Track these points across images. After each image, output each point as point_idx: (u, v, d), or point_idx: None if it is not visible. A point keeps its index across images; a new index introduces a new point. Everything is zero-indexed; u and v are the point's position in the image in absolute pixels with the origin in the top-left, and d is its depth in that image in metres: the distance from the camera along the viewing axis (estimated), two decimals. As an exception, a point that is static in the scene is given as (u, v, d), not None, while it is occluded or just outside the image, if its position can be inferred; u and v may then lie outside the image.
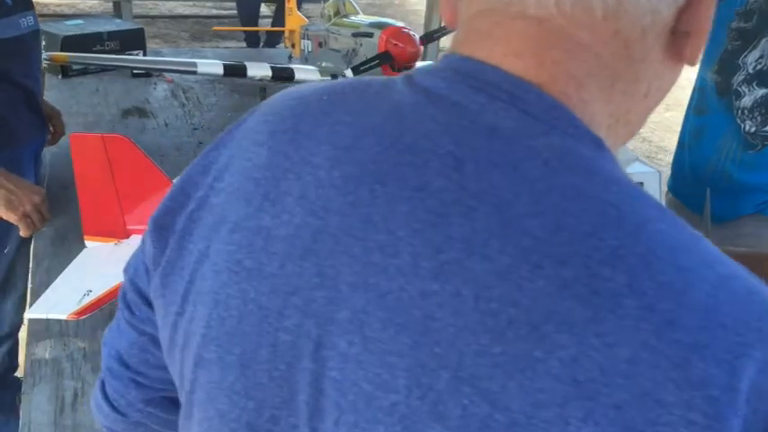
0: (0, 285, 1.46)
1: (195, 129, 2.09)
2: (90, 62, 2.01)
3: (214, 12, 7.11)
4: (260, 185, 0.46)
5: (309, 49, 2.26)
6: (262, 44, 4.44)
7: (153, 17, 6.69)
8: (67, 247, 1.43)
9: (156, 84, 2.42)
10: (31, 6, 1.40)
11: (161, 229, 0.53)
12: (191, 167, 0.54)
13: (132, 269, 0.62)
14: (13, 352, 1.63)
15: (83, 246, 1.38)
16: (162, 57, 2.46)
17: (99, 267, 1.20)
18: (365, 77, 0.52)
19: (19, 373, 1.74)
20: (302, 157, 0.45)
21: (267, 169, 0.46)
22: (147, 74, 2.45)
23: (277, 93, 0.54)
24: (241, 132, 0.51)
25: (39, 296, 1.29)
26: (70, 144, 1.24)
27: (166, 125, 2.11)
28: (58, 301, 1.11)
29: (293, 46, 2.55)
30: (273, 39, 4.35)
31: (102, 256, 1.23)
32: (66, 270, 1.21)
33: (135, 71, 2.41)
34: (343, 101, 0.47)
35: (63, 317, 1.09)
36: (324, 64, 2.08)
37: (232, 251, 0.46)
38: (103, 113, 2.14)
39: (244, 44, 4.87)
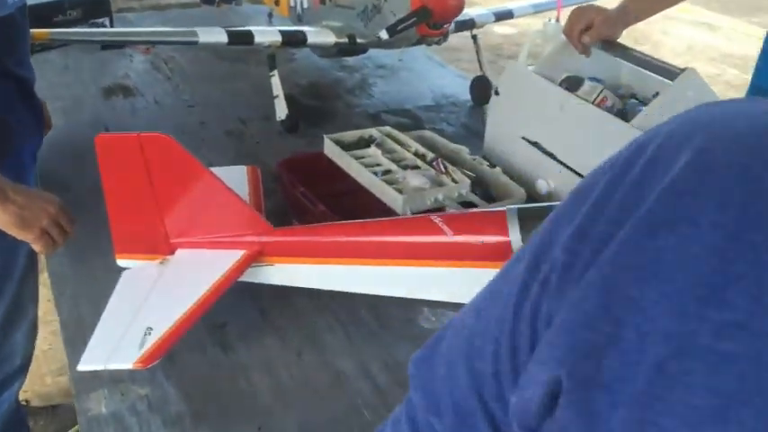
0: (9, 313, 1.23)
1: (191, 106, 1.85)
2: (77, 39, 1.73)
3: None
4: None
5: (305, 6, 2.02)
6: (217, 2, 4.11)
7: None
8: (89, 267, 1.21)
9: (131, 56, 2.15)
10: (16, -23, 1.14)
11: (582, 385, 0.33)
12: (612, 272, 0.33)
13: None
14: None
15: (107, 264, 1.17)
16: (143, 27, 2.19)
17: (151, 296, 0.99)
18: None
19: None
20: None
21: None
22: (119, 45, 2.18)
23: (696, 113, 0.34)
24: (704, 210, 0.31)
25: (71, 329, 1.08)
26: (96, 147, 1.02)
27: (157, 103, 1.86)
28: (115, 345, 0.91)
29: (276, 2, 2.30)
30: (228, -7, 4.02)
31: (150, 280, 1.02)
32: (111, 303, 1.00)
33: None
34: None
35: (128, 366, 0.88)
36: (327, 23, 1.84)
37: None
38: (82, 95, 1.88)
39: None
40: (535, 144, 1.43)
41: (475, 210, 1.05)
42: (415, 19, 1.48)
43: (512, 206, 1.00)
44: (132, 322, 0.94)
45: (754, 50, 5.58)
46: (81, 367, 0.90)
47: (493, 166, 1.37)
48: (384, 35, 1.50)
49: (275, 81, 1.70)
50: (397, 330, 1.10)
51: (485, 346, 0.42)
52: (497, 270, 0.99)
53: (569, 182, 1.35)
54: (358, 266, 1.02)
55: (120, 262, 1.10)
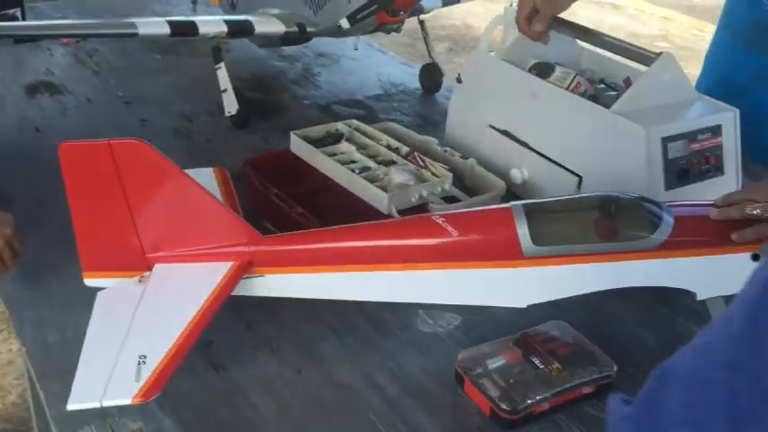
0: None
1: (128, 103, 1.72)
2: (8, 34, 1.57)
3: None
4: None
5: (239, -7, 1.91)
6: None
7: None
8: (47, 288, 1.10)
9: (50, 49, 1.99)
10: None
11: None
12: None
13: None
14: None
15: (67, 284, 1.08)
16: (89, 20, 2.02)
17: (137, 319, 0.90)
18: None
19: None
20: None
21: None
22: (33, 38, 2.01)
23: None
24: None
25: (40, 359, 0.98)
26: (60, 156, 0.91)
27: (89, 101, 1.73)
28: (108, 379, 0.81)
29: (203, -11, 2.19)
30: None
31: (131, 300, 0.93)
32: (91, 329, 0.90)
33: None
34: None
35: (126, 401, 0.79)
36: (268, 11, 1.74)
37: None
38: (3, 94, 1.73)
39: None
40: (505, 132, 1.40)
41: (476, 208, 1.01)
42: (375, 6, 1.41)
43: (516, 203, 0.96)
44: (121, 350, 0.85)
45: (657, 29, 5.79)
46: (72, 406, 0.80)
47: (465, 157, 1.33)
48: (345, 24, 1.43)
49: (222, 74, 1.60)
50: (396, 336, 1.04)
51: (759, 405, 0.37)
52: (505, 269, 0.95)
53: (544, 170, 1.33)
54: (357, 273, 0.96)
55: (89, 281, 0.99)
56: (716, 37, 1.48)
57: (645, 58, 1.24)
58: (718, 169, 1.24)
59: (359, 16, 1.41)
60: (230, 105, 1.59)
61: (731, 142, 1.25)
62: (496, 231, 0.95)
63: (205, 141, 1.56)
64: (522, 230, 0.93)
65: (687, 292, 0.98)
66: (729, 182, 1.26)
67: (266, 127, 1.63)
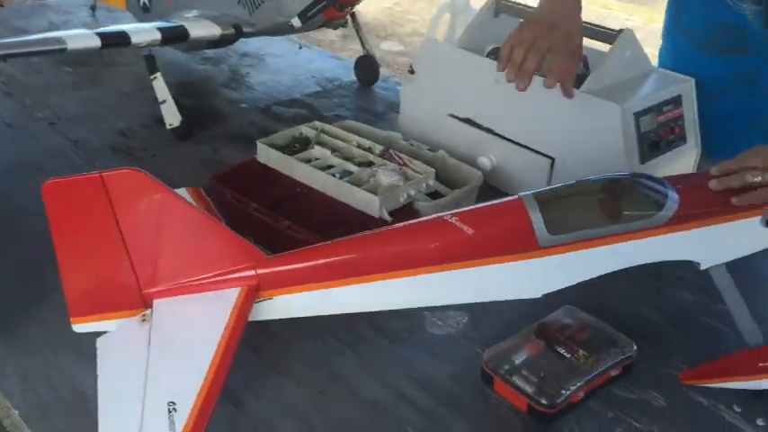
0: None
1: (52, 123, 1.59)
2: None
3: None
4: None
5: (152, -5, 1.80)
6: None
7: None
8: (23, 337, 1.00)
9: (-53, 71, 1.81)
10: None
11: None
12: None
13: None
14: None
15: (43, 332, 1.00)
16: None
17: (152, 363, 0.82)
18: None
19: None
20: None
21: None
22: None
23: None
24: None
25: (36, 421, 0.89)
26: (44, 195, 0.82)
27: (9, 125, 1.58)
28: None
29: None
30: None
31: (140, 343, 0.85)
32: (103, 380, 0.81)
33: None
34: None
35: (168, 455, 0.73)
36: (189, 14, 1.65)
37: None
38: None
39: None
40: (467, 121, 1.39)
41: (485, 203, 0.99)
42: (326, 2, 1.36)
43: (524, 194, 0.95)
44: (145, 400, 0.77)
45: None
46: (108, 469, 0.72)
47: (434, 150, 1.31)
48: (297, 22, 1.37)
49: (159, 84, 1.50)
50: (410, 342, 1.02)
51: None
52: (523, 262, 0.94)
53: (513, 155, 1.32)
54: (373, 283, 0.92)
55: (78, 327, 0.90)
56: (668, 40, 1.44)
57: (606, 35, 1.25)
58: (681, 138, 1.28)
59: (310, 13, 1.36)
60: (171, 117, 1.50)
61: (690, 111, 1.29)
62: (511, 225, 0.93)
63: (150, 156, 1.46)
64: (537, 221, 0.92)
65: (677, 262, 0.99)
66: (691, 149, 1.31)
67: (210, 135, 1.55)
